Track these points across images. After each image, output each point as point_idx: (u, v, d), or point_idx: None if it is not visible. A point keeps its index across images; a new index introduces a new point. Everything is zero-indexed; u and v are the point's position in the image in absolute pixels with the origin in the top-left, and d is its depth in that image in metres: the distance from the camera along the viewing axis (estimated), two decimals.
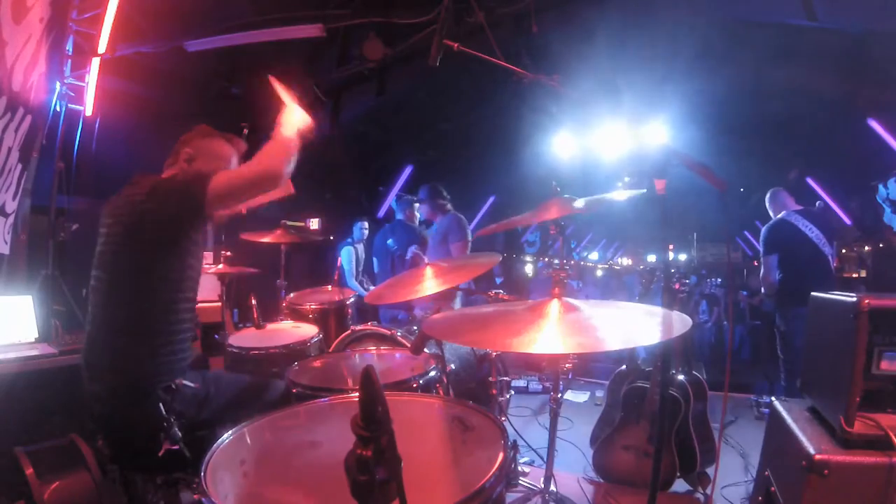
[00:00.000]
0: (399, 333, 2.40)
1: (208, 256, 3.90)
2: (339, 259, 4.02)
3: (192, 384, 1.51)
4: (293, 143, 1.57)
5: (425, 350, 1.76)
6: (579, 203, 1.82)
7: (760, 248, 3.50)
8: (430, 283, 1.76)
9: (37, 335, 2.45)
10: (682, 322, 1.02)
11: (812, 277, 3.12)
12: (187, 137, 1.68)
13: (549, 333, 1.02)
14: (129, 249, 1.46)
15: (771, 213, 3.60)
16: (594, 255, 17.07)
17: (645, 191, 1.71)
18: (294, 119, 1.64)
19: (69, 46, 3.26)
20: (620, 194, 1.85)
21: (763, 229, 3.53)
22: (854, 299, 1.31)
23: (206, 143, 1.68)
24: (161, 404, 1.42)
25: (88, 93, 3.38)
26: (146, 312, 1.46)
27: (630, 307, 1.18)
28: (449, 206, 3.97)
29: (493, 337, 1.08)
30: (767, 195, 3.67)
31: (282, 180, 1.51)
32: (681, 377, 2.37)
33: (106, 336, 1.49)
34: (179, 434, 1.40)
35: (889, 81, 3.71)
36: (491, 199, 9.42)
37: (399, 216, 4.30)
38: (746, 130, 5.62)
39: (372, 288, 3.56)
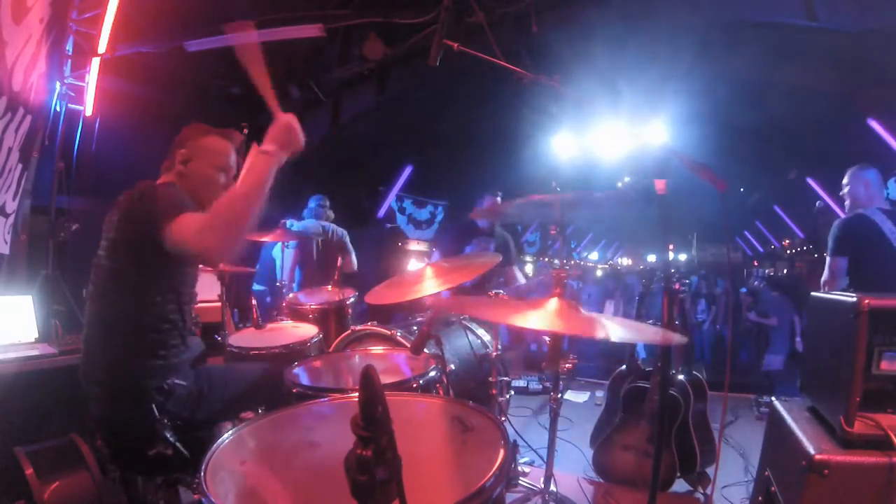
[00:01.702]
0: (399, 333, 2.40)
1: None
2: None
3: (184, 383, 1.52)
4: (269, 174, 1.36)
5: (425, 350, 1.76)
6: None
7: (829, 246, 2.70)
8: (429, 283, 1.76)
9: (37, 335, 2.45)
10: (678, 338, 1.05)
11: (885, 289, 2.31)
12: (182, 137, 1.66)
13: (548, 315, 1.09)
14: (115, 256, 1.47)
15: (848, 200, 2.74)
16: (594, 255, 17.09)
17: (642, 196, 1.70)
18: (280, 136, 1.40)
19: (69, 46, 3.26)
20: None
21: (836, 224, 2.69)
22: (854, 299, 1.31)
23: (202, 142, 1.65)
24: (154, 406, 1.42)
25: (88, 93, 3.38)
26: (137, 312, 1.46)
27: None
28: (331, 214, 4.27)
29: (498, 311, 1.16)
30: (850, 173, 2.74)
31: (256, 219, 1.33)
32: (681, 377, 2.37)
33: (100, 337, 1.49)
34: (172, 438, 1.40)
35: (889, 81, 3.70)
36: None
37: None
38: (746, 130, 5.62)
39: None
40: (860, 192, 2.69)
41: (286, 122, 1.41)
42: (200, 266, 1.76)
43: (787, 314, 6.17)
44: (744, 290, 6.67)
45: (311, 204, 4.30)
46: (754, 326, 6.27)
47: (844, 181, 2.78)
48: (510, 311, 1.16)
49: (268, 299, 4.48)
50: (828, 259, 2.69)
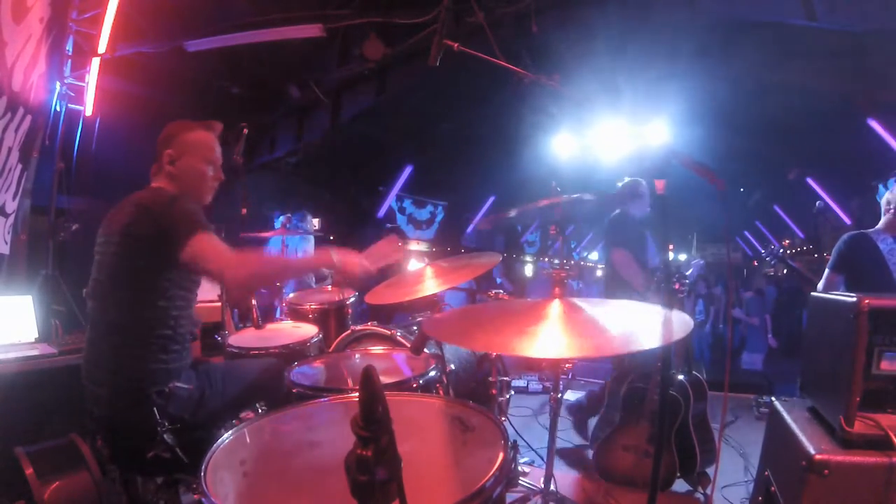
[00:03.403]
0: (399, 333, 2.40)
1: None
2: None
3: (186, 386, 1.51)
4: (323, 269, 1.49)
5: (425, 350, 1.76)
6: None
7: (831, 257, 2.61)
8: (430, 283, 1.76)
9: (37, 335, 2.45)
10: (682, 323, 1.02)
11: None
12: (165, 137, 1.63)
13: (553, 336, 1.02)
14: (122, 260, 1.46)
15: (890, 214, 2.51)
16: (594, 255, 17.06)
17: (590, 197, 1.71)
18: (353, 273, 1.54)
19: (69, 46, 3.26)
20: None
21: (841, 238, 2.59)
22: (854, 299, 1.31)
23: (187, 138, 1.63)
24: (155, 409, 1.43)
25: (88, 93, 3.38)
26: (141, 316, 1.46)
27: (631, 306, 1.18)
28: None
29: (497, 339, 1.07)
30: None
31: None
32: (681, 377, 2.37)
33: (103, 338, 1.50)
34: (171, 441, 1.40)
35: (889, 81, 3.70)
36: (491, 199, 9.43)
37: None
38: (746, 130, 5.63)
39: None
40: None
41: (365, 270, 1.54)
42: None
43: (762, 313, 6.23)
44: (744, 290, 6.69)
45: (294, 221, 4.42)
46: (738, 327, 6.32)
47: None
48: (511, 337, 1.03)
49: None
50: (827, 270, 2.61)
